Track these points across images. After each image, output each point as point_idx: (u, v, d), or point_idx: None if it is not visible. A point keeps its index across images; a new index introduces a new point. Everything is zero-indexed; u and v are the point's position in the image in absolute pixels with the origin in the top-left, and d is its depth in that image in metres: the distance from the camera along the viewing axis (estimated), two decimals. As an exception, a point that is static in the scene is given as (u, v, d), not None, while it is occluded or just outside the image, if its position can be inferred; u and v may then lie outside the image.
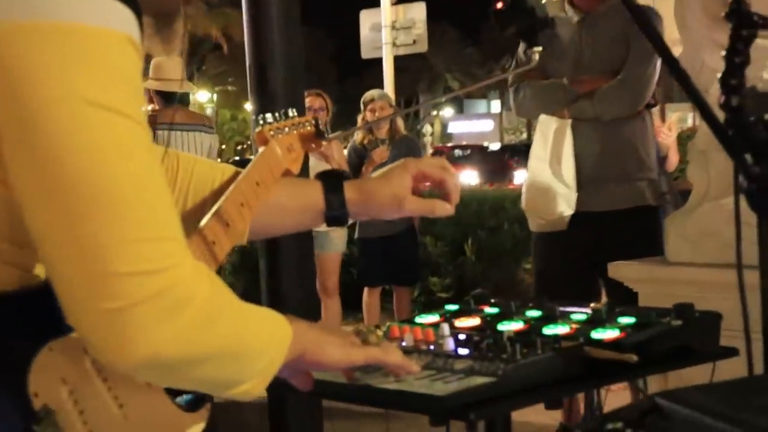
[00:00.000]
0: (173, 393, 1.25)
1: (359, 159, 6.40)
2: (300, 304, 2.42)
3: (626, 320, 1.59)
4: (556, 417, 3.67)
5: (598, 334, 1.53)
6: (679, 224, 3.53)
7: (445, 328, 1.58)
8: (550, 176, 3.81)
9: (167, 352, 1.02)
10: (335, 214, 1.55)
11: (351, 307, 7.08)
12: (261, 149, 1.57)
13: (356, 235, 6.48)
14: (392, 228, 6.28)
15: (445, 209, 1.58)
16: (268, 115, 1.61)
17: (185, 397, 1.28)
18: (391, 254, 6.29)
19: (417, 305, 7.67)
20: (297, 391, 1.37)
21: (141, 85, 1.07)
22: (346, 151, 6.49)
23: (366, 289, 6.44)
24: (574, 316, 1.64)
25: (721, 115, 1.31)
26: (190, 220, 1.52)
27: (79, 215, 0.98)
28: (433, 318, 1.72)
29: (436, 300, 7.99)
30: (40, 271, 1.11)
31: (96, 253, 0.98)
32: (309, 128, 1.66)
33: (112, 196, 0.99)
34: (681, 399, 1.16)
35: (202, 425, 1.29)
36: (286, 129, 1.62)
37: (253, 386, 1.16)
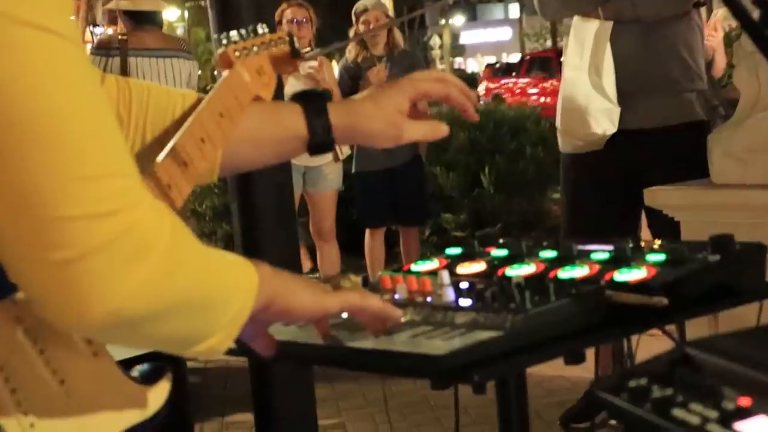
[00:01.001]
0: (126, 364, 1.25)
1: (353, 81, 6.36)
2: (281, 253, 2.41)
3: (655, 258, 1.58)
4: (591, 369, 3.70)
5: (622, 276, 1.52)
6: (724, 140, 3.51)
7: (445, 275, 1.57)
8: (590, 89, 3.78)
9: (128, 307, 1.01)
10: (319, 141, 1.53)
11: (351, 252, 7.09)
12: (224, 74, 1.55)
13: (353, 169, 6.46)
14: (394, 159, 6.26)
15: (442, 130, 1.58)
16: (233, 33, 1.58)
17: (140, 368, 1.28)
18: (395, 189, 6.29)
19: (428, 247, 7.68)
20: (273, 356, 1.37)
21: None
22: (337, 73, 6.45)
23: (368, 231, 6.45)
24: (594, 256, 1.63)
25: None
26: (150, 158, 1.52)
27: (10, 153, 0.97)
28: (431, 265, 1.72)
29: (450, 240, 8.00)
30: None
31: (36, 195, 0.97)
32: (282, 47, 1.63)
33: (48, 127, 0.97)
34: (714, 347, 1.15)
35: (161, 400, 1.29)
36: (255, 48, 1.59)
37: (219, 341, 1.16)
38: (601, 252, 1.64)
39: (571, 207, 4.05)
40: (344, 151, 6.29)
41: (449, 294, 1.50)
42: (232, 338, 1.18)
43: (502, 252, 1.73)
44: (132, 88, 1.53)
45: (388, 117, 1.54)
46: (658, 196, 3.61)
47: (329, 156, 6.08)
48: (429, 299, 1.53)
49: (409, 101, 1.56)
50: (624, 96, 3.75)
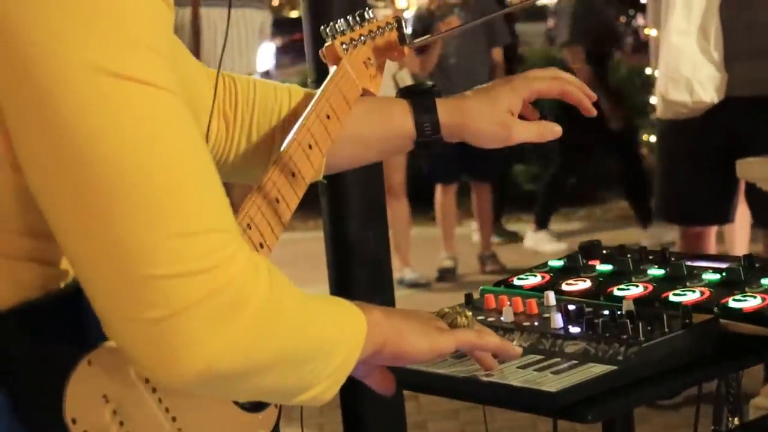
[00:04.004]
0: None
1: (425, 30, 6.32)
2: (366, 208, 2.44)
3: (770, 282, 1.58)
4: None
5: (736, 303, 1.52)
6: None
7: (551, 296, 1.59)
8: (697, 54, 3.75)
9: (222, 364, 1.02)
10: (427, 140, 1.52)
11: (421, 209, 7.11)
12: (331, 70, 1.52)
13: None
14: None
15: (554, 131, 1.58)
16: (340, 22, 1.54)
17: None
18: (468, 144, 6.26)
19: (501, 199, 7.65)
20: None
21: (170, 41, 1.05)
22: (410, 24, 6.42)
23: (439, 187, 6.46)
24: (705, 276, 1.63)
25: None
26: (258, 160, 1.52)
27: (105, 211, 0.98)
28: (534, 280, 1.73)
29: (523, 194, 7.98)
30: (67, 265, 1.11)
31: (131, 253, 0.98)
32: (390, 34, 1.60)
33: (143, 184, 0.98)
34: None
35: (271, 425, 1.32)
36: (362, 38, 1.56)
37: (323, 391, 1.17)
38: (712, 272, 1.64)
39: (666, 174, 4.03)
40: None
41: (558, 320, 1.51)
42: (336, 387, 1.18)
43: (607, 267, 1.73)
44: (238, 86, 1.53)
45: (498, 117, 1.52)
46: (753, 169, 3.56)
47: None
48: (536, 323, 1.54)
49: (522, 101, 1.54)
50: (730, 62, 3.71)
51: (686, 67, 3.76)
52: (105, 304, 1.01)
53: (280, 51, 15.12)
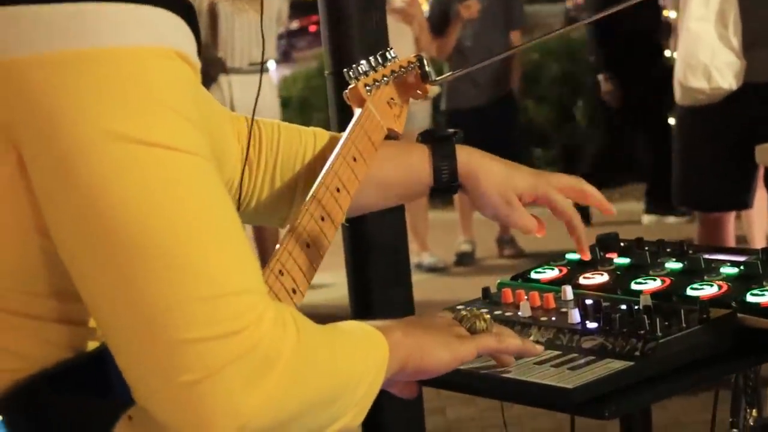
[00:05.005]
0: None
1: (443, 14, 6.32)
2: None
3: (789, 274, 1.57)
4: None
5: (753, 297, 1.52)
6: None
7: (568, 291, 1.59)
8: (715, 41, 3.74)
9: (257, 421, 1.02)
10: (443, 187, 1.55)
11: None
12: (357, 112, 1.53)
13: (443, 107, 6.45)
14: (486, 96, 6.24)
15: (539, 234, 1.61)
16: (362, 63, 1.56)
17: None
18: (487, 127, 6.26)
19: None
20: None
21: (196, 103, 1.04)
22: (427, 8, 6.41)
23: (457, 172, 6.44)
24: (723, 270, 1.63)
25: None
26: (281, 204, 1.54)
27: (133, 276, 0.98)
28: (552, 273, 1.73)
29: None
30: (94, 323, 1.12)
31: (160, 319, 0.98)
32: (412, 72, 1.62)
33: (170, 249, 0.98)
34: None
35: None
36: (385, 79, 1.58)
37: (351, 419, 1.18)
38: (730, 266, 1.64)
39: (686, 161, 4.03)
40: (434, 89, 6.26)
41: (575, 316, 1.51)
42: (363, 414, 1.19)
43: (625, 260, 1.73)
44: (262, 129, 1.54)
45: (507, 194, 1.55)
46: (772, 153, 3.56)
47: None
48: (554, 318, 1.54)
49: (534, 198, 1.57)
50: (749, 48, 3.70)
51: (704, 54, 3.75)
52: (135, 371, 1.01)
53: (297, 34, 15.13)
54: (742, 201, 4.03)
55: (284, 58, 14.01)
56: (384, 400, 2.46)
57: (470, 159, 1.55)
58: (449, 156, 1.53)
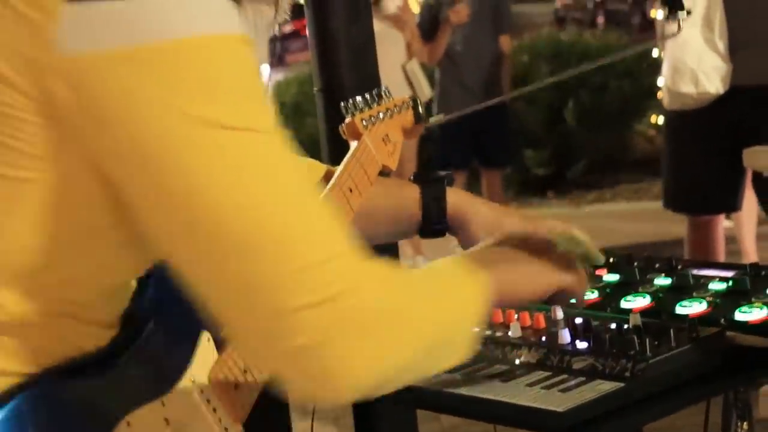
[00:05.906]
0: None
1: (433, 18, 6.32)
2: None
3: (778, 291, 1.57)
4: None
5: (742, 315, 1.52)
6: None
7: (558, 311, 1.59)
8: (701, 45, 3.74)
9: (371, 375, 1.06)
10: (432, 227, 1.56)
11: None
12: (352, 145, 1.55)
13: (435, 111, 6.44)
14: (477, 100, 6.22)
15: None
16: (359, 99, 1.58)
17: None
18: (478, 130, 6.26)
19: (511, 185, 7.66)
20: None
21: (263, 85, 1.09)
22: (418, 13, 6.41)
23: (449, 174, 6.45)
24: (711, 286, 1.63)
25: None
26: None
27: (235, 256, 1.01)
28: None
29: (532, 178, 7.98)
30: (107, 325, 1.14)
31: (266, 292, 1.01)
32: (406, 112, 1.64)
33: (266, 225, 1.01)
34: None
35: None
36: (380, 115, 1.59)
37: (461, 356, 1.22)
38: (718, 281, 1.64)
39: (673, 168, 4.03)
40: (426, 93, 6.27)
41: (565, 336, 1.51)
42: (471, 347, 1.22)
43: (614, 277, 1.73)
44: None
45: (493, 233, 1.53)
46: (759, 157, 3.55)
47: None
48: (544, 338, 1.54)
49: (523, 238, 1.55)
50: (735, 52, 3.70)
51: (691, 58, 3.76)
52: (251, 342, 1.05)
53: (290, 37, 15.13)
54: (730, 204, 4.04)
55: (278, 61, 14.02)
56: (378, 406, 2.46)
57: (460, 201, 1.57)
58: (439, 197, 1.55)
